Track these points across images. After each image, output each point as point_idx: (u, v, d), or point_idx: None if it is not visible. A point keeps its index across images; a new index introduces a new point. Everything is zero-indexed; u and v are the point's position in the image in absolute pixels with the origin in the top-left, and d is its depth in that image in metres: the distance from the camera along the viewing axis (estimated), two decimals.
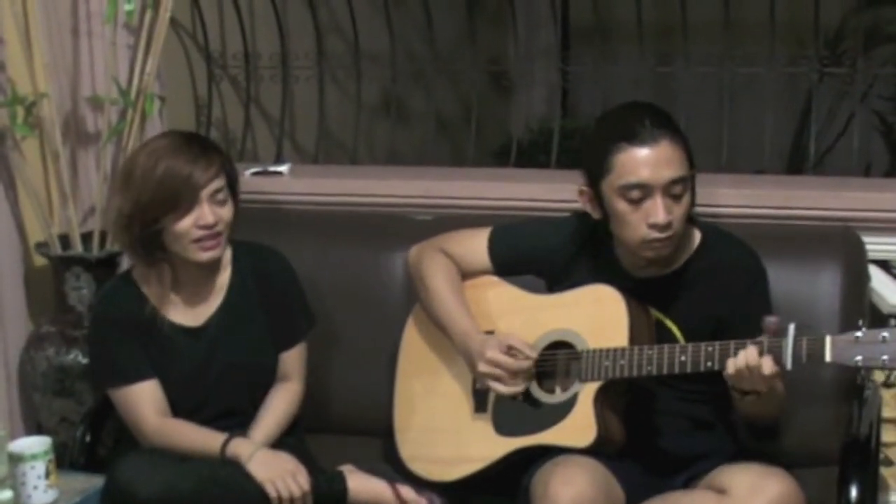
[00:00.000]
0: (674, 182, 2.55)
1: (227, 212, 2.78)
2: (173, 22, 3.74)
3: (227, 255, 2.90)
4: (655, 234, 2.56)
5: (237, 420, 2.85)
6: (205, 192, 2.73)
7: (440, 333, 2.87)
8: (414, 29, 4.60)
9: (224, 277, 2.90)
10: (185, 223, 2.72)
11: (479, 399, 2.81)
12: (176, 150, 2.74)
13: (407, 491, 2.73)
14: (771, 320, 2.43)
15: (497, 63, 4.78)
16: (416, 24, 4.54)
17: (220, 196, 2.76)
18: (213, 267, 2.86)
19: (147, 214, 2.72)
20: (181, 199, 2.71)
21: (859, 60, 4.11)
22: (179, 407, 2.83)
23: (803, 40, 4.22)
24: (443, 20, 4.48)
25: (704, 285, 2.68)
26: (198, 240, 2.74)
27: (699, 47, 4.12)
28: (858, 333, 2.35)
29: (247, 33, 4.32)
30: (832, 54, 4.20)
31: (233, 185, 2.82)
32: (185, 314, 2.87)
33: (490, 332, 2.79)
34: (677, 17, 4.08)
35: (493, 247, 2.88)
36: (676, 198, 2.56)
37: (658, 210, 2.54)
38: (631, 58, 4.40)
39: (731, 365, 2.43)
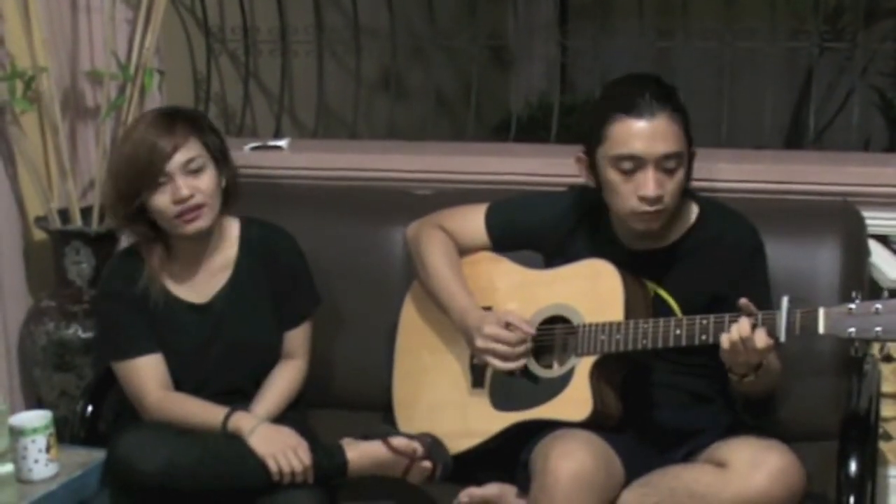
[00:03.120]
0: (667, 157, 2.56)
1: (204, 182, 2.75)
2: None
3: (235, 231, 2.90)
4: (645, 207, 2.57)
5: (240, 397, 2.84)
6: (173, 165, 2.71)
7: (438, 310, 2.87)
8: (413, 4, 4.59)
9: (231, 254, 2.89)
10: (162, 200, 2.72)
11: (477, 374, 2.82)
12: (146, 126, 2.75)
13: (398, 440, 2.71)
14: (742, 302, 2.44)
15: (497, 38, 4.76)
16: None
17: (193, 166, 2.73)
18: (218, 243, 2.87)
19: (125, 193, 2.73)
20: (147, 174, 2.70)
21: (859, 35, 4.10)
22: (183, 383, 2.83)
23: (803, 15, 4.21)
24: None
25: (702, 258, 2.69)
26: (178, 215, 2.74)
27: (699, 22, 4.11)
28: (852, 305, 2.36)
29: (245, 7, 4.31)
30: (832, 29, 4.18)
31: (215, 153, 2.79)
32: (191, 290, 2.86)
33: (488, 308, 2.79)
34: None
35: (491, 222, 2.88)
36: (669, 172, 2.57)
37: (648, 183, 2.55)
38: (630, 32, 4.39)
39: (726, 339, 2.44)
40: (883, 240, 3.18)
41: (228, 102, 4.39)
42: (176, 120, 2.76)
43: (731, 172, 3.21)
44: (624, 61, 4.23)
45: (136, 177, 2.71)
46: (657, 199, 2.56)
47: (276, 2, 4.33)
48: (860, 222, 3.01)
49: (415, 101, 4.83)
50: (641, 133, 2.55)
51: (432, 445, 2.73)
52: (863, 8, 4.25)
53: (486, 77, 4.70)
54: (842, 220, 2.99)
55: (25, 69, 3.37)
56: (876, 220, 3.12)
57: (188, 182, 2.72)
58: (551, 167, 3.32)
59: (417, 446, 2.71)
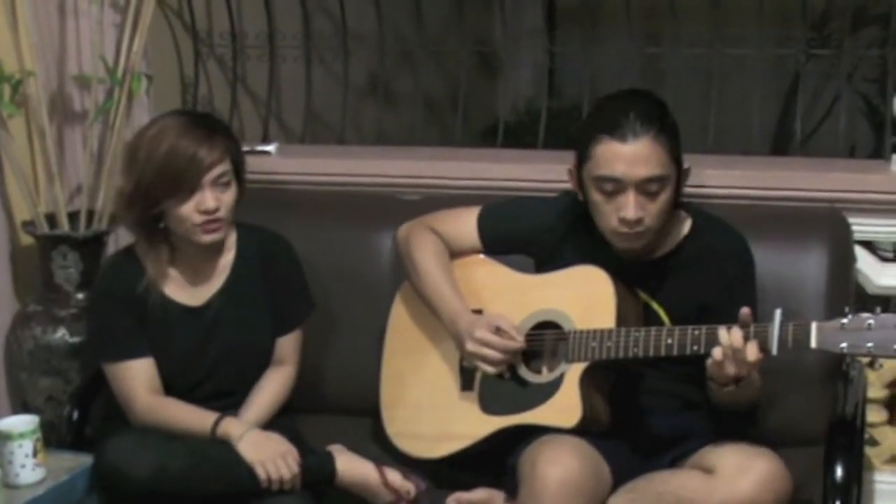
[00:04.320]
0: (648, 180, 2.56)
1: (229, 196, 2.77)
2: (160, 0, 3.72)
3: (232, 237, 2.90)
4: (625, 229, 2.58)
5: (230, 401, 2.85)
6: (207, 178, 2.71)
7: (428, 311, 2.87)
8: (401, 9, 4.59)
9: (228, 259, 2.89)
10: (187, 208, 2.71)
11: (466, 377, 2.82)
12: (182, 131, 2.71)
13: (393, 475, 2.73)
14: (744, 311, 2.44)
15: (484, 44, 4.76)
16: (404, 5, 4.53)
17: (223, 180, 2.75)
18: (217, 248, 2.86)
19: (148, 196, 2.71)
20: (183, 183, 2.69)
21: (846, 42, 4.11)
22: (175, 386, 2.83)
23: (790, 21, 4.22)
24: (430, 0, 4.46)
25: (693, 270, 2.70)
26: (199, 224, 2.74)
27: (687, 28, 4.12)
28: (844, 320, 2.36)
29: (233, 12, 4.31)
30: (819, 35, 4.19)
31: (238, 169, 2.81)
32: (187, 293, 2.86)
33: (479, 312, 2.79)
34: None
35: (483, 225, 2.89)
36: (651, 195, 2.58)
37: (629, 206, 2.56)
38: (618, 39, 4.39)
39: (718, 350, 2.44)
40: (869, 246, 3.20)
41: (216, 107, 4.38)
42: (215, 132, 2.76)
43: (717, 178, 3.22)
44: (612, 67, 4.25)
45: (166, 183, 2.69)
46: (637, 222, 2.57)
47: (264, 7, 4.33)
48: (846, 228, 3.02)
49: (402, 106, 4.82)
50: (623, 156, 2.55)
51: (424, 493, 2.74)
52: (849, 15, 4.26)
53: (474, 82, 4.70)
54: (828, 226, 3.00)
55: (13, 73, 3.36)
56: (862, 226, 3.13)
57: (216, 195, 2.73)
58: (539, 173, 3.33)
59: (411, 488, 2.71)
